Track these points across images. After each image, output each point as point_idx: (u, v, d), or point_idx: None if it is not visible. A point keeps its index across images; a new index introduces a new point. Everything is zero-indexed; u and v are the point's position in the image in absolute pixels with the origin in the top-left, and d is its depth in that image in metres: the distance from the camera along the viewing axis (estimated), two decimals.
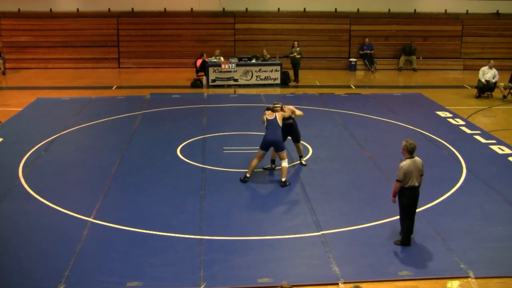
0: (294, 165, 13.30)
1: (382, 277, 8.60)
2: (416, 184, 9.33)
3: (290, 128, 12.87)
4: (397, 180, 9.28)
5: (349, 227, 10.22)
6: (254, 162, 12.32)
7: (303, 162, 13.36)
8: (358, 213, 10.83)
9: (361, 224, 10.30)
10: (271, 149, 12.48)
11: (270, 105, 12.84)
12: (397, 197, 9.50)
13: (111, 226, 10.20)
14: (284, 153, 12.23)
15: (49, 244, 9.55)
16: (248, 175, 12.32)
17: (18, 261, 8.99)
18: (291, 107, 12.95)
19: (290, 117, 12.79)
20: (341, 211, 10.92)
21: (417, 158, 9.39)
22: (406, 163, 9.25)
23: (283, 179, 12.13)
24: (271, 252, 9.37)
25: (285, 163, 12.22)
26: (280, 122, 12.27)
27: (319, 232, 9.95)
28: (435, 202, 11.29)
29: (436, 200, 11.40)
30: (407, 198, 9.34)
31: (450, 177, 12.62)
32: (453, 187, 12.11)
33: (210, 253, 9.25)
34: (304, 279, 8.50)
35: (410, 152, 9.35)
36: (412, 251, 9.38)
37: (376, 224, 10.28)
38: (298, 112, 13.01)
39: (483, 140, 15.41)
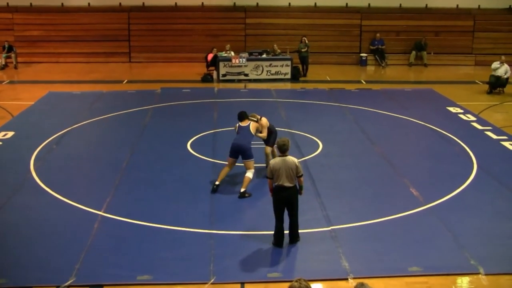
0: (304, 160, 13.27)
1: (392, 272, 8.59)
2: (287, 184, 9.12)
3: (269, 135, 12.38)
4: (267, 177, 9.36)
5: (359, 222, 10.20)
6: (224, 169, 11.64)
7: None
8: (368, 209, 10.81)
9: (371, 220, 10.28)
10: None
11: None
12: None
13: (121, 220, 10.25)
14: (250, 163, 11.47)
15: (60, 238, 9.62)
16: (217, 182, 11.51)
17: (30, 254, 9.05)
18: (264, 122, 12.23)
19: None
20: (351, 206, 10.90)
21: (289, 157, 9.19)
22: (274, 161, 9.26)
23: (242, 190, 11.30)
24: None
25: (249, 174, 11.41)
26: (252, 131, 11.78)
27: (329, 227, 9.95)
28: (445, 198, 11.25)
29: (447, 196, 11.35)
30: (276, 196, 9.26)
31: (461, 173, 12.56)
32: (464, 183, 12.04)
33: (220, 247, 9.27)
34: (313, 274, 8.48)
35: (280, 150, 9.31)
36: (422, 247, 9.35)
37: (386, 220, 10.27)
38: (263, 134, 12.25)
39: (494, 136, 15.33)
